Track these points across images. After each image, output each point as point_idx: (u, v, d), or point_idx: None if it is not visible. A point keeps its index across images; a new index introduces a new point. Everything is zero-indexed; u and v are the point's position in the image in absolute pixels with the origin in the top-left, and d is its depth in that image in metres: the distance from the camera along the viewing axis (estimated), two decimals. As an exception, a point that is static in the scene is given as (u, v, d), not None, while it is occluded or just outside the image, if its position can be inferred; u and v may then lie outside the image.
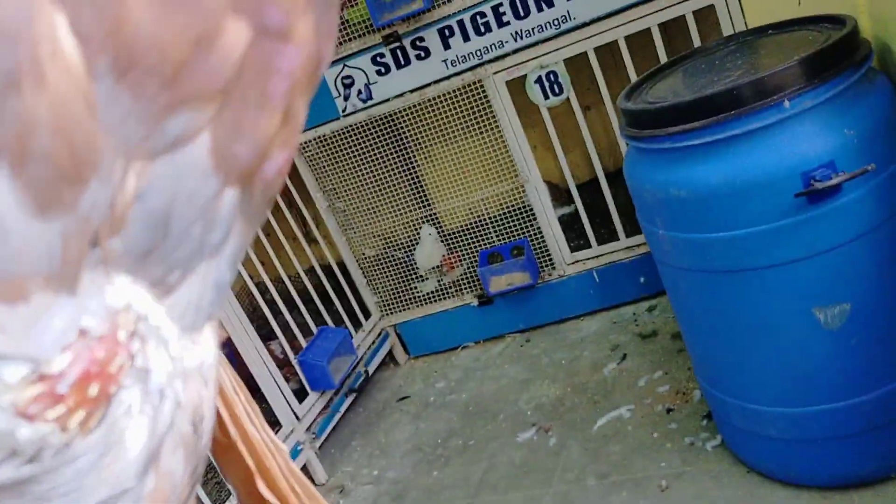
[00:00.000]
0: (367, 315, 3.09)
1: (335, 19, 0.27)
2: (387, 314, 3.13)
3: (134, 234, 0.24)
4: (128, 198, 0.23)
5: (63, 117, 0.22)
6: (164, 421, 0.27)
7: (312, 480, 2.59)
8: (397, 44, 2.60)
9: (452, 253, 2.98)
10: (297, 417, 2.56)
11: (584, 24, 2.39)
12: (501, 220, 2.84)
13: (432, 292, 3.05)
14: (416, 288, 3.08)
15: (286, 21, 0.26)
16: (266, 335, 2.65)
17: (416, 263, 3.02)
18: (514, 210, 2.81)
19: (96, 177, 0.22)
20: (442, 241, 2.97)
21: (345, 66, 2.67)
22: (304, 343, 2.74)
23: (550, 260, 2.81)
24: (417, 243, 2.99)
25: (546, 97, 2.53)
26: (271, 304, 2.72)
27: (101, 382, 0.24)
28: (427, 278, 3.06)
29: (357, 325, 3.02)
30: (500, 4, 2.45)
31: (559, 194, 2.86)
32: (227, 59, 0.24)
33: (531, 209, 2.76)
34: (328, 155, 2.86)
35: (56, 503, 0.25)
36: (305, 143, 2.84)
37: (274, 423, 2.47)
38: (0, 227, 0.21)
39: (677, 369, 2.37)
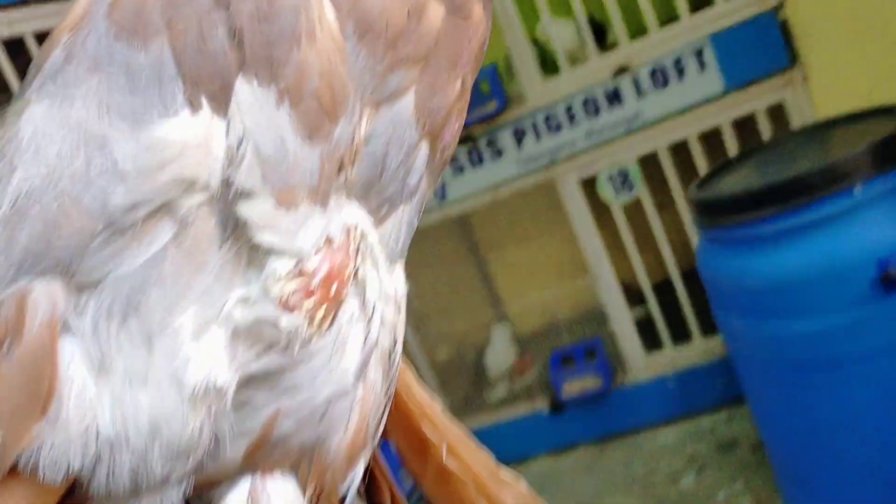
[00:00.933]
0: (434, 417, 3.03)
1: (491, 10, 0.34)
2: (458, 420, 3.06)
3: (362, 168, 0.30)
4: (361, 136, 0.29)
5: (327, 65, 0.28)
6: (373, 334, 0.32)
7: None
8: (472, 145, 2.67)
9: (524, 355, 2.92)
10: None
11: (655, 123, 2.40)
12: (574, 320, 2.79)
13: (503, 398, 2.98)
14: (486, 394, 3.01)
15: (469, 4, 0.32)
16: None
17: (487, 367, 2.97)
18: (587, 310, 2.75)
19: (345, 115, 0.29)
20: (514, 343, 2.93)
21: (421, 164, 2.75)
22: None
23: (623, 363, 2.72)
24: (488, 345, 2.95)
25: (618, 195, 2.53)
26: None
27: (337, 284, 0.29)
28: (497, 383, 2.99)
29: (424, 426, 2.95)
30: (572, 105, 2.50)
31: (632, 294, 2.80)
32: (430, 30, 0.31)
33: (604, 310, 2.70)
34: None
35: (296, 395, 0.29)
36: (380, 239, 2.90)
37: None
38: (283, 146, 0.28)
39: (758, 481, 2.20)
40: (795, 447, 1.62)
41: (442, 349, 3.05)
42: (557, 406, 2.87)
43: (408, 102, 0.30)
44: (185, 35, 0.27)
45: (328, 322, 0.30)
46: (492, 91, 2.54)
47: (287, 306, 0.28)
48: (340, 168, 0.29)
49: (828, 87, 2.09)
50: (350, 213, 0.30)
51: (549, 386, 2.84)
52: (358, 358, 0.31)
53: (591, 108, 2.48)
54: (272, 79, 0.28)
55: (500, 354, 2.93)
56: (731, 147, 2.32)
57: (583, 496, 2.58)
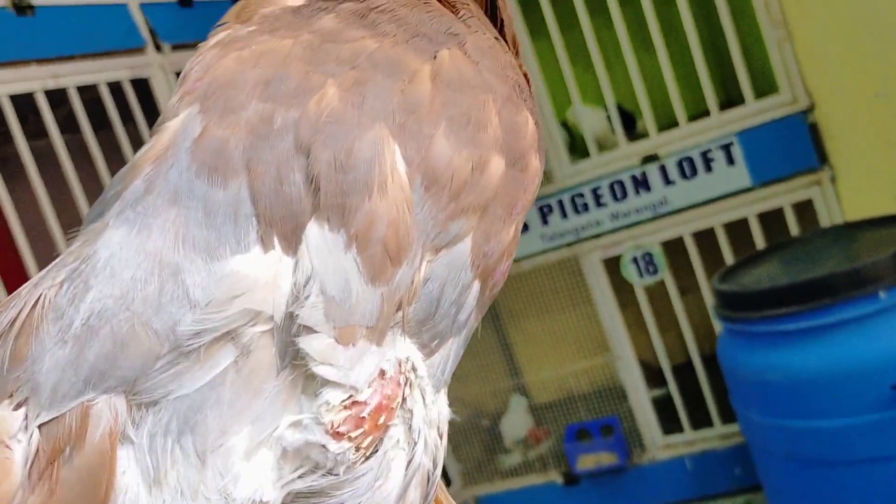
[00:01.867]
0: (448, 483, 3.03)
1: (545, 160, 0.38)
2: (469, 484, 3.07)
3: (418, 307, 0.32)
4: (420, 279, 0.31)
5: (395, 215, 0.31)
6: (416, 459, 0.33)
7: None
8: (497, 218, 2.71)
9: (540, 426, 2.93)
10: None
11: (681, 210, 2.44)
12: (592, 396, 2.80)
13: (516, 466, 2.98)
14: (500, 460, 3.02)
15: (527, 158, 0.35)
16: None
17: (502, 434, 2.98)
18: (606, 387, 2.77)
19: (407, 260, 0.31)
20: (530, 413, 2.94)
21: (446, 236, 2.79)
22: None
23: (641, 441, 2.73)
24: (504, 413, 2.96)
25: (641, 277, 2.55)
26: (355, 464, 2.72)
27: (386, 414, 0.31)
28: (512, 450, 3.00)
29: (438, 493, 2.96)
30: (599, 187, 2.54)
31: (652, 375, 2.82)
32: (490, 182, 0.33)
33: (623, 388, 2.71)
34: (423, 319, 2.94)
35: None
36: (402, 306, 2.92)
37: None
38: (347, 287, 0.30)
39: (776, 574, 2.20)
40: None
41: (457, 412, 3.06)
42: (572, 478, 2.88)
43: (465, 247, 0.33)
44: (263, 177, 0.30)
45: (372, 448, 0.31)
46: (519, 168, 2.58)
47: (337, 434, 0.30)
48: (398, 308, 0.31)
49: (855, 188, 2.13)
50: (403, 348, 0.32)
51: (564, 458, 2.85)
52: (400, 481, 0.33)
53: (619, 191, 2.52)
54: (343, 224, 0.30)
55: (515, 423, 2.95)
56: (758, 239, 2.35)
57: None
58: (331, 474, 0.31)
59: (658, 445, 2.70)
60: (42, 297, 0.30)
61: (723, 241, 2.42)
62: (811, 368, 1.50)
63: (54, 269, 0.31)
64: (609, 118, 2.49)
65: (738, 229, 2.43)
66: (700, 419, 2.68)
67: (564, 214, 2.62)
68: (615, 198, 2.53)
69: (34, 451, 0.29)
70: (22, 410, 0.29)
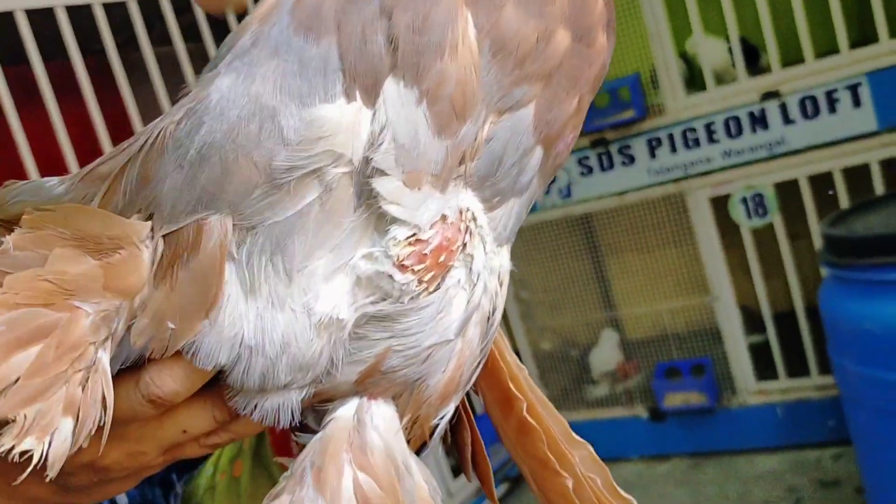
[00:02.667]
0: (534, 408, 3.09)
1: (615, 41, 0.39)
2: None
3: (481, 164, 0.35)
4: (483, 137, 0.35)
5: (463, 75, 0.34)
6: (476, 299, 0.38)
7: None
8: (604, 149, 2.67)
9: (629, 361, 2.93)
10: (451, 493, 2.59)
11: (799, 151, 2.34)
12: (686, 336, 2.78)
13: (603, 398, 3.01)
14: (586, 390, 3.05)
15: (593, 34, 0.37)
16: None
17: (590, 365, 3.01)
18: (701, 328, 2.73)
19: (472, 118, 0.34)
20: (620, 348, 2.94)
21: (550, 164, 2.77)
22: (468, 423, 2.78)
23: (733, 385, 2.70)
24: (595, 345, 2.98)
25: (750, 218, 2.48)
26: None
27: (446, 254, 0.35)
28: (599, 382, 3.02)
29: (523, 416, 3.02)
30: (713, 122, 2.46)
31: (751, 320, 2.76)
32: (555, 53, 0.35)
33: (718, 330, 2.67)
34: (521, 245, 2.95)
35: (405, 338, 0.36)
36: (501, 231, 2.95)
37: (427, 496, 2.51)
38: (416, 137, 0.33)
39: (859, 528, 2.17)
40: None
41: (546, 341, 3.10)
42: (658, 414, 2.88)
43: (528, 112, 0.35)
44: (351, 37, 0.33)
45: (435, 284, 0.35)
46: (631, 99, 2.52)
47: (402, 267, 0.34)
48: (462, 161, 0.35)
49: None
50: (465, 199, 0.36)
51: (652, 394, 2.85)
52: (461, 316, 0.37)
53: (734, 127, 2.43)
54: (416, 82, 0.33)
55: (605, 356, 2.96)
56: (878, 187, 2.24)
57: (672, 507, 2.60)
58: (398, 303, 0.35)
59: (750, 390, 2.67)
60: (164, 130, 0.35)
61: (840, 187, 2.32)
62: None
63: (174, 109, 0.36)
64: (731, 50, 2.39)
65: (857, 175, 2.32)
66: (796, 368, 2.62)
67: (674, 149, 2.56)
68: (729, 134, 2.45)
69: (158, 255, 0.34)
70: (149, 223, 0.35)
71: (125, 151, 0.36)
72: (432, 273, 0.35)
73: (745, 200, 2.48)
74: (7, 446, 0.28)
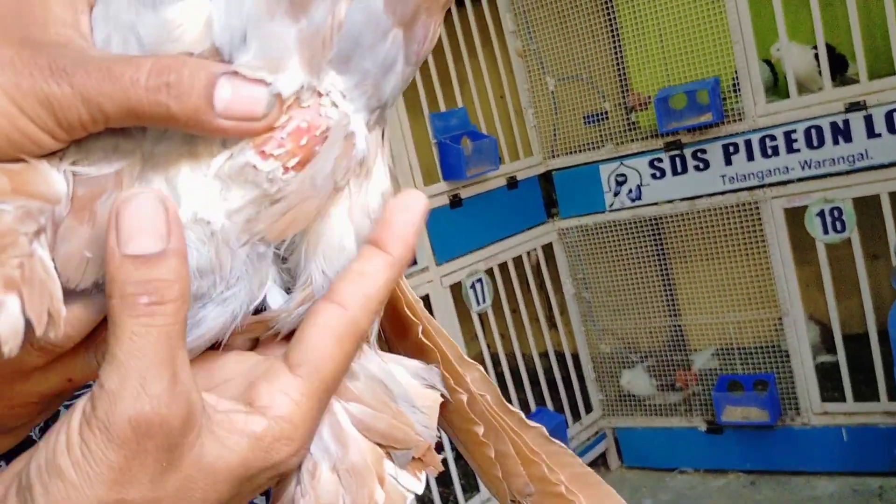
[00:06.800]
0: (588, 409, 3.06)
1: None
2: (609, 415, 3.08)
3: (340, 44, 0.34)
4: (340, 18, 0.34)
5: None
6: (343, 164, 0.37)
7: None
8: (678, 152, 2.61)
9: (689, 370, 2.87)
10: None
11: (882, 166, 2.24)
12: (751, 350, 2.70)
13: (659, 406, 2.95)
14: (643, 397, 3.00)
15: None
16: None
17: (649, 372, 2.96)
18: (767, 343, 2.65)
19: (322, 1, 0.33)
20: (682, 356, 2.88)
21: (621, 163, 2.73)
22: (520, 420, 2.78)
23: (796, 404, 2.61)
24: (656, 352, 2.92)
25: (826, 233, 2.39)
26: (500, 375, 2.80)
27: (308, 138, 0.34)
28: (657, 390, 2.97)
29: (576, 416, 3.00)
30: (794, 131, 2.37)
31: (822, 339, 2.66)
32: None
33: (786, 347, 2.59)
34: (586, 245, 2.92)
35: (285, 211, 0.36)
36: (567, 229, 2.92)
37: (473, 487, 2.52)
38: (269, 22, 0.32)
39: (920, 564, 2.07)
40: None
41: (606, 343, 3.06)
42: (715, 427, 2.81)
43: None
44: None
45: (301, 168, 0.34)
46: (710, 102, 2.45)
47: (263, 154, 0.33)
48: (317, 44, 0.33)
49: None
50: (325, 82, 0.34)
51: (711, 406, 2.79)
52: (330, 182, 0.36)
53: (815, 137, 2.34)
54: None
55: (665, 363, 2.90)
56: (966, 209, 2.13)
57: (725, 524, 2.54)
58: (268, 190, 0.34)
59: (815, 411, 2.58)
60: None
61: (925, 206, 2.21)
62: None
63: None
64: (817, 58, 2.30)
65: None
66: (865, 392, 2.52)
67: (751, 156, 2.48)
68: (810, 144, 2.36)
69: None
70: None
71: None
72: (298, 158, 0.34)
73: (822, 214, 2.39)
74: None
